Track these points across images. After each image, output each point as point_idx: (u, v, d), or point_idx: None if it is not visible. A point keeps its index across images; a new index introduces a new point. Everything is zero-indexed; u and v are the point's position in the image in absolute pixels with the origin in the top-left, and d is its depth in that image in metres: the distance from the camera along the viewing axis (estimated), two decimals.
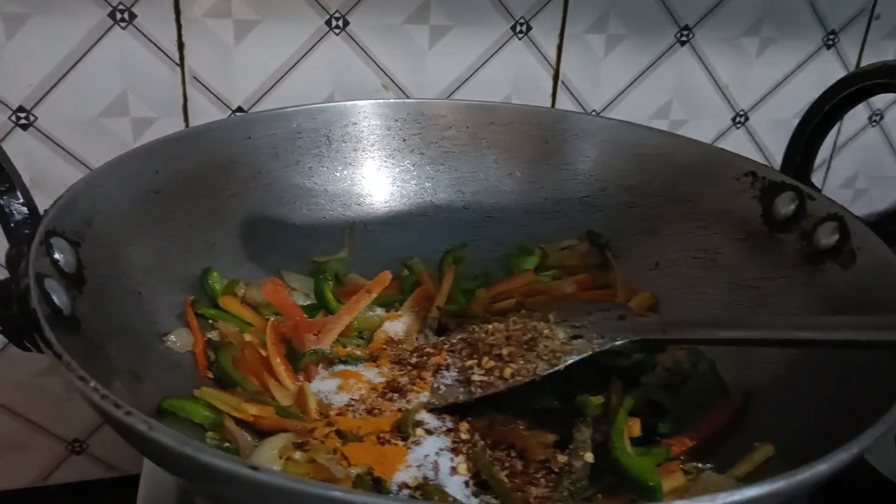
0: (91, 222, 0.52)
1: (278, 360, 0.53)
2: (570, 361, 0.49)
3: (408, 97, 0.80)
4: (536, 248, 0.71)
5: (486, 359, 0.50)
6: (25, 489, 0.86)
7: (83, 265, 0.49)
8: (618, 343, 0.50)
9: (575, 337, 0.50)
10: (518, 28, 0.79)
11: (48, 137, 0.71)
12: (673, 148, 0.69)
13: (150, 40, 0.70)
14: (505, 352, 0.50)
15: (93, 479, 0.88)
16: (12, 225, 0.47)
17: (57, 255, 0.46)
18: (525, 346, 0.50)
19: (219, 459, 0.31)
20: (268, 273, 0.65)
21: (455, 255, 0.69)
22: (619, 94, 0.85)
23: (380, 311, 0.63)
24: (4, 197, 0.47)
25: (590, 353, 0.49)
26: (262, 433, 0.48)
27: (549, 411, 0.52)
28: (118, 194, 0.56)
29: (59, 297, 0.43)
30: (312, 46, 0.75)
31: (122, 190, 0.56)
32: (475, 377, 0.49)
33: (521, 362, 0.49)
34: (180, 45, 0.71)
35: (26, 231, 0.47)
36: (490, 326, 0.53)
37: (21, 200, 0.47)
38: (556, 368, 0.48)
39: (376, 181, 0.73)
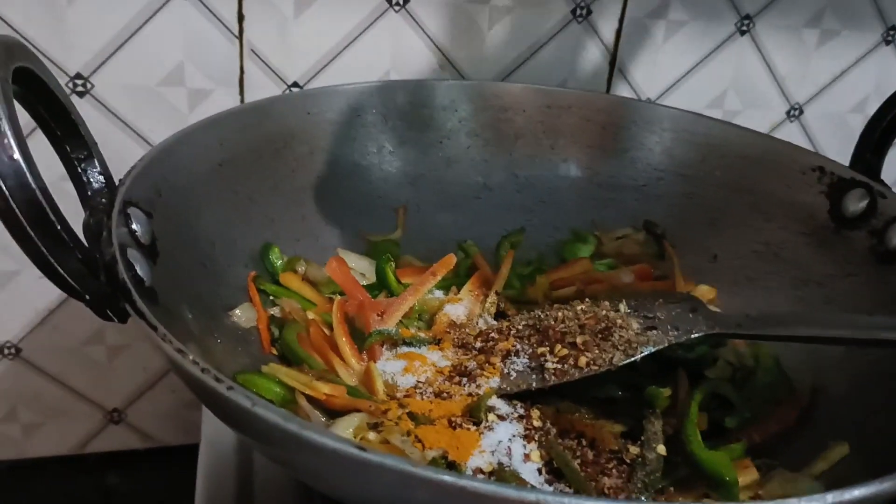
0: (161, 193, 0.51)
1: (344, 338, 0.53)
2: (647, 352, 0.48)
3: (464, 78, 0.79)
4: (591, 236, 0.71)
5: (559, 346, 0.50)
6: (64, 457, 0.86)
7: (156, 237, 0.48)
8: (694, 336, 0.49)
9: (649, 328, 0.50)
10: (578, 11, 0.78)
11: (104, 106, 0.70)
12: (738, 139, 0.68)
13: (210, 11, 0.69)
14: (579, 340, 0.49)
15: (129, 448, 0.88)
16: (89, 193, 0.47)
17: (135, 226, 0.46)
18: (600, 336, 0.49)
19: (327, 438, 0.31)
20: (324, 250, 0.64)
21: (512, 239, 0.69)
22: (676, 83, 0.84)
23: (439, 293, 0.62)
24: (83, 165, 0.46)
25: (666, 344, 0.49)
26: (332, 412, 0.48)
27: (613, 401, 0.52)
28: (185, 165, 0.55)
29: (141, 268, 0.43)
30: (371, 23, 0.74)
31: (188, 161, 0.56)
32: (549, 364, 0.49)
33: (597, 351, 0.48)
34: (240, 17, 0.70)
35: (103, 200, 0.46)
36: (559, 314, 0.53)
37: (98, 169, 0.47)
38: (633, 359, 0.48)
39: (430, 161, 0.73)
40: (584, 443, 0.48)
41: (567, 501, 0.30)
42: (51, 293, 0.77)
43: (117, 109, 0.70)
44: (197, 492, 0.56)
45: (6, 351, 0.77)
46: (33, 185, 0.36)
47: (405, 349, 0.55)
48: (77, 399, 0.83)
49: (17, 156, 0.36)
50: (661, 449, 0.47)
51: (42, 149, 0.45)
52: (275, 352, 0.54)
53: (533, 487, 0.42)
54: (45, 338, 0.79)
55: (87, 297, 0.40)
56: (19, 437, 0.83)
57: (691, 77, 0.84)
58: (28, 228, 0.36)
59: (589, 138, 0.74)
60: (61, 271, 0.38)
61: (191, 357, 0.35)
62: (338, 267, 0.58)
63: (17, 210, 0.36)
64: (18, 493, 0.84)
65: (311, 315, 0.56)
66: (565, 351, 0.49)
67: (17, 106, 0.40)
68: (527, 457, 0.45)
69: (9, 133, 0.36)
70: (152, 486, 0.87)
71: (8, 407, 0.81)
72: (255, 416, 0.32)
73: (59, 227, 0.37)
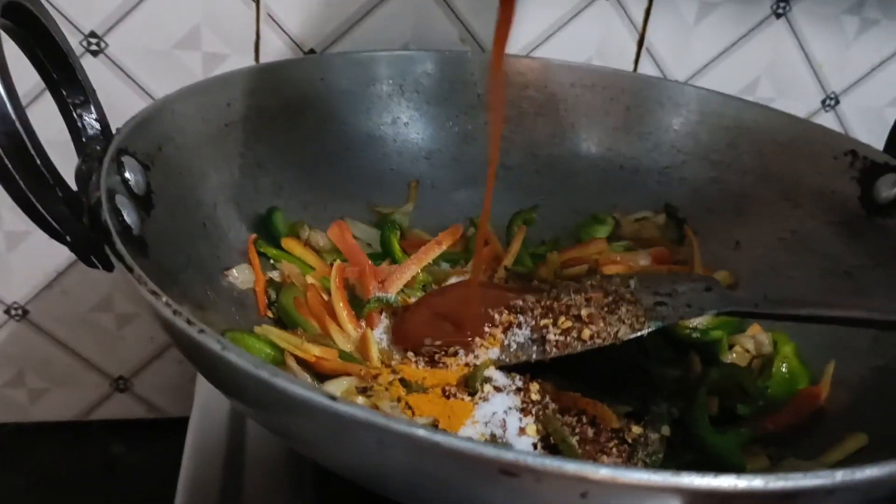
0: (162, 147, 0.50)
1: (342, 304, 0.51)
2: (654, 328, 0.46)
3: (485, 51, 0.77)
4: (609, 218, 0.68)
5: (562, 318, 0.47)
6: (68, 422, 0.86)
7: (152, 189, 0.47)
8: (706, 313, 0.46)
9: (659, 304, 0.47)
10: None
11: (118, 66, 0.69)
12: (769, 123, 0.65)
13: None
14: (584, 313, 0.47)
15: (134, 417, 0.87)
16: (84, 140, 0.45)
17: (128, 175, 0.44)
18: (606, 309, 0.47)
19: (296, 386, 0.29)
20: (331, 220, 0.62)
21: (525, 216, 0.66)
22: (706, 66, 0.81)
23: (445, 265, 0.60)
24: (79, 110, 0.45)
25: (676, 321, 0.46)
26: (322, 376, 0.47)
27: (621, 381, 0.50)
28: (190, 123, 0.54)
29: (129, 215, 0.42)
30: None
31: (194, 119, 0.55)
32: (551, 336, 0.46)
33: (601, 325, 0.46)
34: None
35: (97, 147, 0.45)
36: (566, 286, 0.51)
37: (95, 115, 0.46)
38: (639, 333, 0.45)
39: (446, 136, 0.71)
40: (584, 420, 0.45)
41: (547, 463, 0.27)
42: (60, 256, 0.76)
43: (131, 70, 0.70)
44: (184, 460, 0.55)
45: (13, 312, 0.77)
46: (13, 116, 0.35)
47: None
48: (83, 365, 0.82)
49: None
50: (666, 430, 0.44)
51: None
52: (271, 315, 0.53)
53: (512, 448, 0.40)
54: (53, 301, 0.78)
55: (69, 238, 0.38)
56: (25, 400, 0.83)
57: (722, 61, 0.81)
58: (6, 161, 0.35)
59: (612, 118, 0.71)
60: (41, 209, 0.37)
61: (164, 299, 0.33)
62: (340, 232, 0.56)
63: None
64: (22, 457, 0.83)
65: (310, 279, 0.54)
66: (569, 323, 0.47)
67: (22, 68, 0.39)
68: (522, 430, 0.43)
69: None
70: (156, 456, 0.85)
71: (14, 370, 0.81)
72: (225, 361, 0.31)
73: (39, 163, 0.36)
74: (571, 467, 0.27)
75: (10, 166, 0.35)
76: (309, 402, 0.29)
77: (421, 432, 0.28)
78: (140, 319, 0.81)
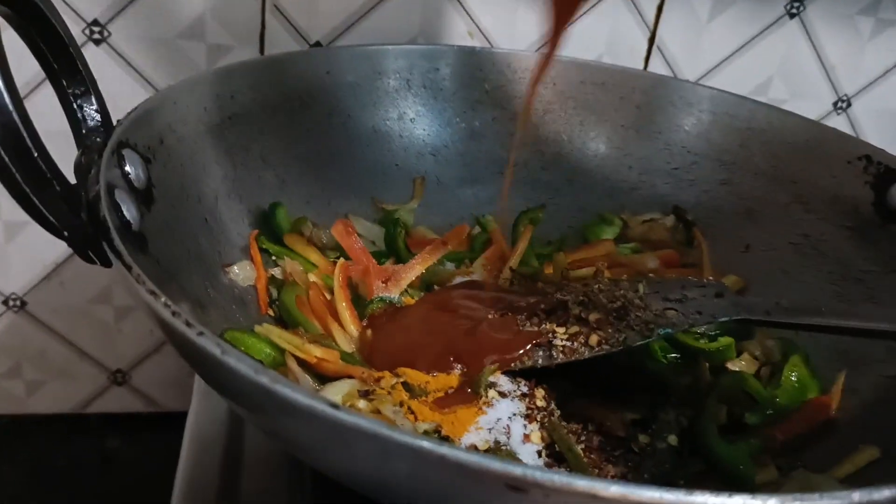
0: (163, 140, 0.49)
1: (344, 303, 0.50)
2: (664, 334, 0.44)
3: (493, 47, 0.75)
4: (617, 219, 0.67)
5: (569, 323, 0.46)
6: (66, 415, 0.85)
7: (152, 183, 0.46)
8: (717, 321, 0.45)
9: (668, 310, 0.46)
10: None
11: (120, 55, 0.68)
12: (782, 125, 0.64)
13: None
14: (592, 317, 0.46)
15: (131, 411, 0.87)
16: (84, 131, 0.44)
17: (128, 168, 0.43)
18: (614, 314, 0.46)
19: (298, 393, 0.28)
20: (335, 215, 0.62)
21: (531, 215, 0.65)
22: (718, 65, 0.80)
23: (450, 265, 0.59)
24: (79, 101, 0.44)
25: (686, 327, 0.45)
26: (323, 378, 0.46)
27: (627, 387, 0.49)
28: (193, 115, 0.53)
29: (129, 210, 0.41)
30: None
31: (197, 111, 0.54)
32: (557, 341, 0.45)
33: (610, 330, 0.45)
34: None
35: (97, 139, 0.44)
36: (573, 290, 0.49)
37: (95, 107, 0.45)
38: (648, 340, 0.44)
39: (453, 132, 0.70)
40: (590, 428, 0.44)
41: (555, 479, 0.26)
42: (59, 248, 0.75)
43: (133, 60, 0.68)
44: (181, 457, 0.54)
45: (11, 303, 0.76)
46: (10, 107, 0.34)
47: None
48: (81, 358, 0.81)
49: None
50: (673, 439, 0.43)
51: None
52: (272, 313, 0.52)
53: (521, 463, 0.39)
54: (51, 293, 0.77)
55: (66, 233, 0.37)
56: (22, 392, 0.82)
57: (735, 60, 0.80)
58: (2, 154, 0.34)
59: (622, 117, 0.70)
60: (38, 203, 0.36)
61: (163, 299, 0.32)
62: (344, 230, 0.55)
63: None
64: (18, 449, 0.83)
65: (312, 277, 0.53)
66: (576, 328, 0.46)
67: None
68: (527, 437, 0.42)
69: None
70: (152, 451, 0.85)
71: (12, 361, 0.80)
72: (224, 365, 0.30)
73: (36, 156, 0.35)
74: (582, 484, 0.26)
75: (6, 159, 0.34)
76: (310, 409, 0.28)
77: (425, 444, 0.27)
78: (139, 313, 0.80)
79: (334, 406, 0.28)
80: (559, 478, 0.26)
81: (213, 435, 0.54)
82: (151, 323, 0.80)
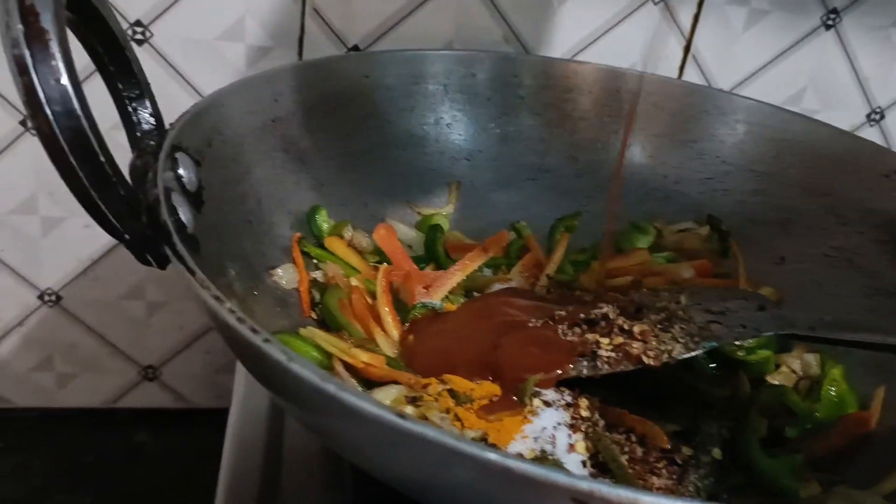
0: (211, 143, 0.50)
1: (387, 308, 0.51)
2: (710, 347, 0.45)
3: (528, 52, 0.76)
4: (651, 227, 0.67)
5: (614, 334, 0.46)
6: (96, 409, 0.86)
7: (202, 185, 0.47)
8: (762, 335, 0.46)
9: (712, 322, 0.47)
10: None
11: (162, 56, 0.69)
12: (817, 136, 0.64)
13: None
14: (637, 329, 0.46)
15: (161, 406, 0.87)
16: (139, 134, 0.45)
17: (181, 171, 0.44)
18: (659, 326, 0.46)
19: (366, 402, 0.28)
20: (371, 218, 0.62)
21: (567, 223, 0.66)
22: (752, 75, 0.80)
23: (488, 272, 0.60)
24: (134, 104, 0.45)
25: (731, 341, 0.46)
26: (368, 383, 0.46)
27: (668, 398, 0.49)
28: (238, 117, 0.53)
29: (184, 213, 0.41)
30: None
31: (242, 114, 0.54)
32: (602, 352, 0.46)
33: (654, 342, 0.45)
34: None
35: (151, 142, 0.45)
36: (614, 301, 0.50)
37: (150, 110, 0.45)
38: (694, 353, 0.44)
39: (488, 137, 0.70)
40: (633, 438, 0.44)
41: (622, 494, 0.27)
42: (94, 243, 0.76)
43: (174, 61, 0.69)
44: (224, 456, 0.55)
45: (46, 298, 0.77)
46: (79, 112, 0.34)
47: None
48: (112, 353, 0.82)
49: (64, 80, 0.34)
50: (717, 452, 0.44)
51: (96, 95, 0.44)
52: (314, 316, 0.52)
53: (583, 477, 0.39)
54: (85, 288, 0.78)
55: (127, 237, 0.38)
56: (53, 386, 0.83)
57: (769, 70, 0.80)
58: (71, 158, 0.35)
59: (656, 125, 0.71)
60: (103, 207, 0.36)
61: (228, 305, 0.33)
62: (386, 234, 0.56)
63: (61, 138, 0.34)
64: (48, 443, 0.84)
65: (354, 282, 0.53)
66: (621, 339, 0.46)
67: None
68: (571, 447, 0.43)
69: (58, 55, 0.34)
70: (181, 447, 0.86)
71: (44, 355, 0.81)
72: (291, 372, 0.30)
73: (102, 160, 0.36)
74: (647, 499, 0.27)
75: (74, 164, 0.35)
76: (377, 418, 0.29)
77: (493, 456, 0.28)
78: (170, 308, 0.81)
79: (401, 415, 0.28)
80: (625, 493, 0.27)
81: (253, 434, 0.54)
82: (183, 313, 0.81)
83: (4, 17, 0.34)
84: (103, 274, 0.78)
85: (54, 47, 0.34)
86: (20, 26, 0.34)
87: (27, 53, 0.33)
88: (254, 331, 0.32)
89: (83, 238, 0.75)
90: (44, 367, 0.81)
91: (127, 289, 0.79)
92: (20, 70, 0.33)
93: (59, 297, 0.77)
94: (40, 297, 0.77)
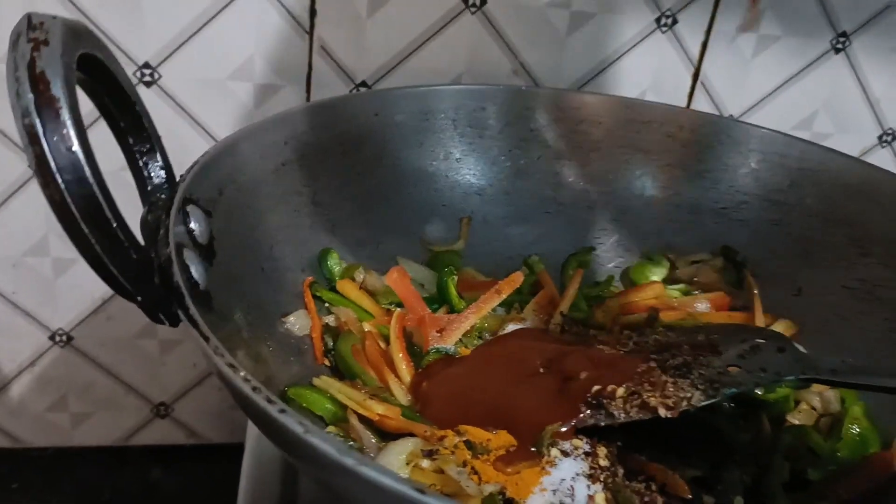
0: (223, 191, 0.49)
1: (401, 354, 0.50)
2: (730, 394, 0.44)
3: (537, 84, 0.75)
4: (664, 259, 0.67)
5: (632, 381, 0.46)
6: (109, 447, 0.85)
7: (213, 236, 0.46)
8: (783, 379, 0.45)
9: (732, 366, 0.46)
10: (663, 20, 0.74)
11: (171, 97, 0.69)
12: (834, 165, 0.63)
13: (282, 4, 0.67)
14: (654, 378, 0.45)
15: (173, 443, 0.87)
16: (149, 188, 0.45)
17: (192, 224, 0.44)
18: (677, 372, 0.45)
19: (386, 477, 0.28)
20: (384, 257, 0.62)
21: (580, 258, 0.65)
22: (762, 100, 0.79)
23: (500, 311, 0.59)
24: (144, 158, 0.45)
25: (752, 387, 0.45)
26: (383, 433, 0.46)
27: (684, 441, 0.48)
28: (250, 164, 0.53)
29: (196, 270, 0.41)
30: (446, 24, 0.71)
31: (252, 159, 0.54)
32: (619, 402, 0.45)
33: (672, 389, 0.45)
34: (312, 13, 0.68)
35: (162, 196, 0.44)
36: (632, 344, 0.49)
37: (160, 163, 0.45)
38: (714, 400, 0.44)
39: (499, 171, 0.70)
40: (653, 487, 0.44)
41: None
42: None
43: (184, 102, 0.69)
44: (240, 493, 0.54)
45: (58, 338, 0.77)
46: (91, 180, 0.34)
47: None
48: (126, 391, 0.82)
49: (75, 147, 0.34)
50: (739, 501, 0.43)
51: (103, 139, 0.44)
52: (327, 363, 0.52)
53: None
54: (98, 328, 0.78)
55: (139, 298, 0.38)
56: (67, 425, 0.83)
57: (779, 95, 0.79)
58: (82, 225, 0.35)
59: (669, 156, 0.70)
60: (114, 270, 0.36)
61: (242, 374, 0.32)
62: (399, 278, 0.55)
63: (72, 206, 0.34)
64: (63, 481, 0.83)
65: (367, 327, 0.53)
66: (639, 387, 0.45)
67: (80, 95, 0.38)
68: (591, 499, 0.42)
69: (69, 123, 0.34)
70: (195, 483, 0.85)
71: (58, 395, 0.81)
72: (307, 444, 0.30)
73: (114, 225, 0.35)
74: None
75: (86, 230, 0.35)
76: (397, 493, 0.28)
77: None
78: (182, 346, 0.81)
79: (421, 491, 0.28)
80: None
81: (268, 471, 0.54)
82: (196, 351, 0.81)
83: (15, 85, 0.34)
84: (116, 313, 0.78)
85: (65, 115, 0.34)
86: (31, 95, 0.34)
87: (38, 122, 0.33)
88: (269, 401, 0.31)
89: (95, 278, 0.74)
90: (58, 406, 0.81)
91: (139, 327, 0.79)
92: (31, 140, 0.33)
93: (70, 338, 0.77)
94: (51, 337, 0.77)
